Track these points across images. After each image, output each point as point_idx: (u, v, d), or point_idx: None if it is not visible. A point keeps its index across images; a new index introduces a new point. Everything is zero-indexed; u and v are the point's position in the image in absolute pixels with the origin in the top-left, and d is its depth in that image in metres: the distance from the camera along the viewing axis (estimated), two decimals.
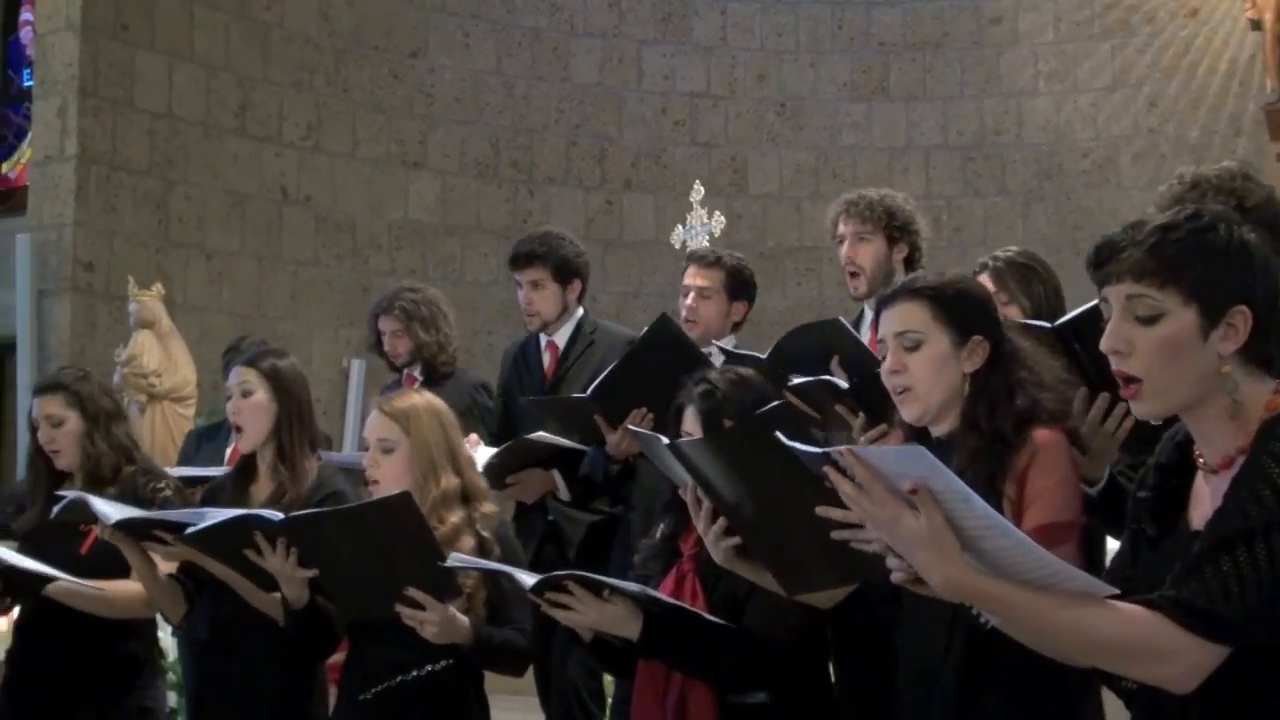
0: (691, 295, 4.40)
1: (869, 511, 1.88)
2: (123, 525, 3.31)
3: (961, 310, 2.46)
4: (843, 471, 1.90)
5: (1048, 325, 2.73)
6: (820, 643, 2.90)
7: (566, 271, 4.65)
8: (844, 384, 3.29)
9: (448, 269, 10.52)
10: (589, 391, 4.02)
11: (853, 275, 3.99)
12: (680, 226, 8.63)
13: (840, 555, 2.27)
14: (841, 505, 2.21)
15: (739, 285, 4.46)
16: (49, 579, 3.50)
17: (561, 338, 4.71)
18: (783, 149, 11.54)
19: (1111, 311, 1.89)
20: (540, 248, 4.65)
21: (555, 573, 2.77)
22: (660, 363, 3.86)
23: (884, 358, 2.49)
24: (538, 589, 2.75)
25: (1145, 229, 1.86)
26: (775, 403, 2.43)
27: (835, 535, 2.22)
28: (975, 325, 2.46)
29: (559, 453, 4.28)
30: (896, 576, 2.02)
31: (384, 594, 3.01)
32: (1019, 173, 11.28)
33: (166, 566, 3.49)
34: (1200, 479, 1.91)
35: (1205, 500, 1.87)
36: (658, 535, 3.04)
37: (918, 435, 2.48)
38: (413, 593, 2.97)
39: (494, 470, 4.21)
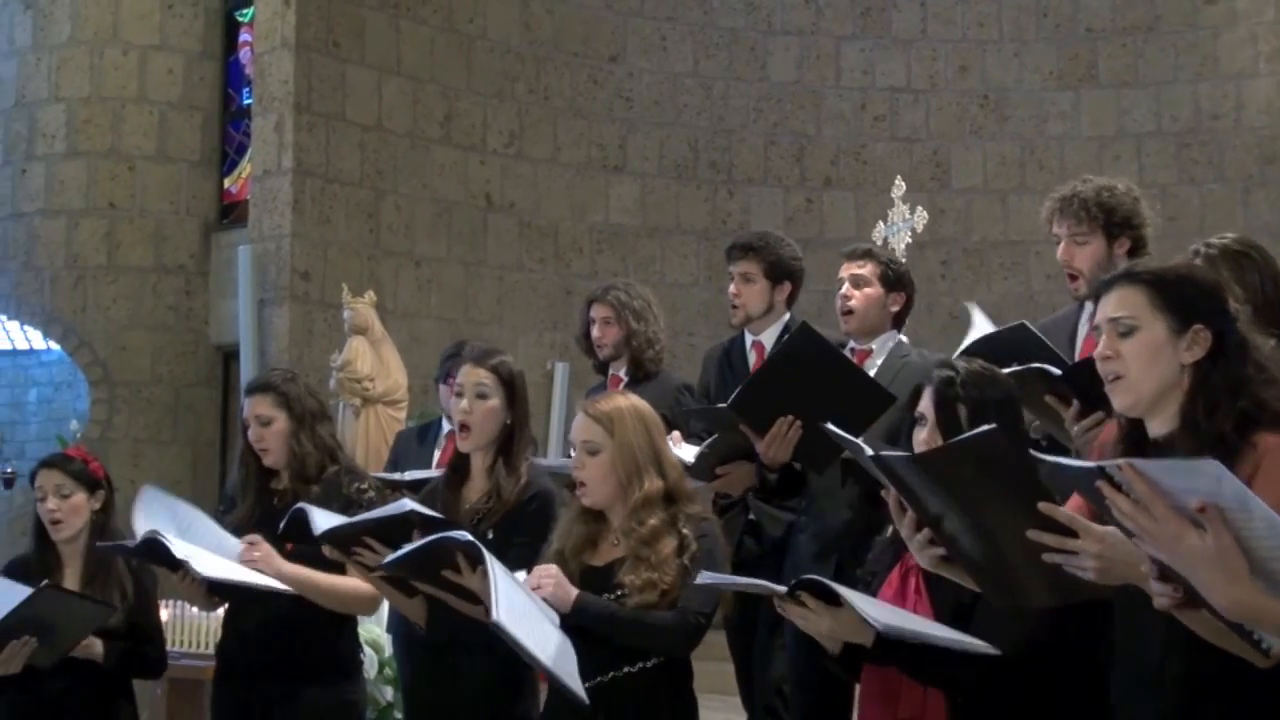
0: (845, 285, 4.32)
1: (1147, 529, 1.79)
2: (330, 536, 3.36)
3: (1182, 296, 2.30)
4: (1117, 486, 1.81)
5: None
6: (1059, 650, 2.80)
7: (779, 271, 4.64)
8: (1057, 370, 3.18)
9: (648, 271, 10.59)
10: (730, 400, 3.98)
11: (1071, 277, 3.78)
12: (882, 223, 8.51)
13: (1054, 575, 2.19)
14: (1053, 529, 2.12)
15: (894, 277, 4.37)
16: (252, 586, 3.59)
17: (769, 338, 4.68)
18: (986, 141, 11.29)
19: None
20: (758, 243, 4.68)
21: (798, 580, 2.71)
22: (805, 371, 3.81)
23: (1100, 343, 2.37)
24: (788, 595, 2.71)
25: None
26: (984, 428, 2.32)
27: (1047, 558, 2.14)
28: (1197, 313, 2.29)
29: None
30: (1161, 603, 1.92)
31: None
32: (1238, 158, 10.80)
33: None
34: None
35: None
36: (889, 532, 2.99)
37: (1133, 427, 2.36)
38: (539, 570, 3.09)
39: (704, 460, 4.21)
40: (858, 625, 2.63)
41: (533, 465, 3.62)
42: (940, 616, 2.71)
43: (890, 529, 2.98)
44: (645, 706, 3.15)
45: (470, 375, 3.55)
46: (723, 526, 3.44)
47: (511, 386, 3.54)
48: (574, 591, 3.10)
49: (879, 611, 2.59)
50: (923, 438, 2.84)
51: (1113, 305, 2.35)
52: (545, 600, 3.07)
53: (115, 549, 3.94)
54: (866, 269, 4.32)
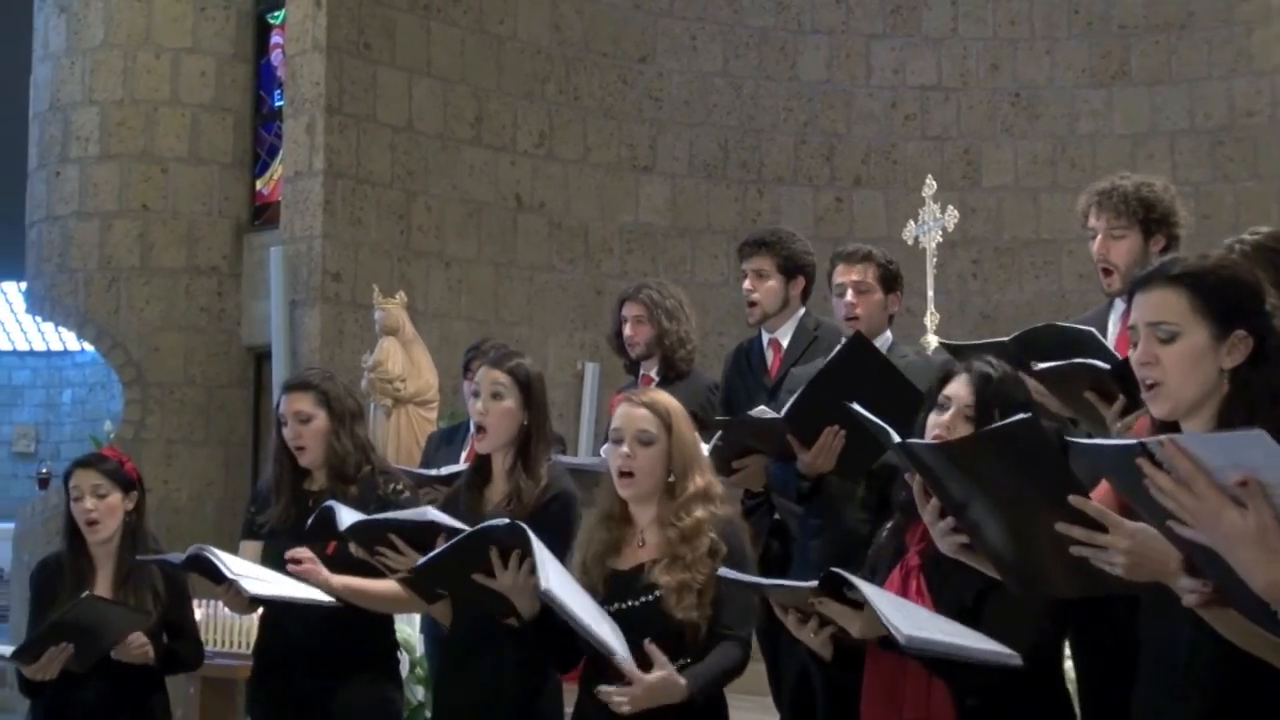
0: (849, 292, 4.30)
1: (1186, 506, 1.76)
2: (356, 530, 3.36)
3: (1224, 300, 2.23)
4: (1157, 464, 1.78)
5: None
6: (1059, 645, 2.79)
7: (792, 266, 4.64)
8: (1105, 365, 3.15)
9: (678, 271, 10.59)
10: (783, 411, 3.96)
11: (1105, 272, 3.77)
12: (912, 222, 8.49)
13: (1080, 567, 2.17)
14: (1083, 523, 2.09)
15: (891, 277, 4.37)
16: (296, 600, 3.59)
17: (784, 335, 4.68)
18: (1018, 139, 11.23)
19: None
20: (769, 238, 4.69)
21: (826, 574, 2.68)
22: (854, 380, 3.80)
23: (1135, 344, 2.31)
24: (819, 590, 2.68)
25: None
26: (1020, 416, 2.27)
27: (1074, 551, 2.12)
28: (1238, 317, 2.22)
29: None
30: (1189, 599, 1.88)
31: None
32: (1273, 155, 10.70)
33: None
34: None
35: None
36: (885, 531, 2.98)
37: (1167, 425, 2.30)
38: (627, 671, 2.99)
39: (718, 455, 4.20)
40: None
41: (553, 467, 3.60)
42: (941, 611, 2.69)
43: (888, 526, 2.97)
44: (675, 708, 3.14)
45: (487, 376, 3.55)
46: (750, 530, 3.43)
47: (528, 388, 3.54)
48: (682, 681, 3.04)
49: (902, 617, 2.56)
50: (943, 420, 2.82)
51: (1152, 308, 2.27)
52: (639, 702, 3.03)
53: (159, 563, 3.95)
54: (869, 274, 4.32)
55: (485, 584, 3.13)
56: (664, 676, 3.00)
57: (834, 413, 3.78)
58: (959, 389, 2.84)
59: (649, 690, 2.99)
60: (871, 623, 2.59)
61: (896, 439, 2.63)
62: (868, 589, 2.60)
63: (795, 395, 3.95)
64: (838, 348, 3.98)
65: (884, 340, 4.31)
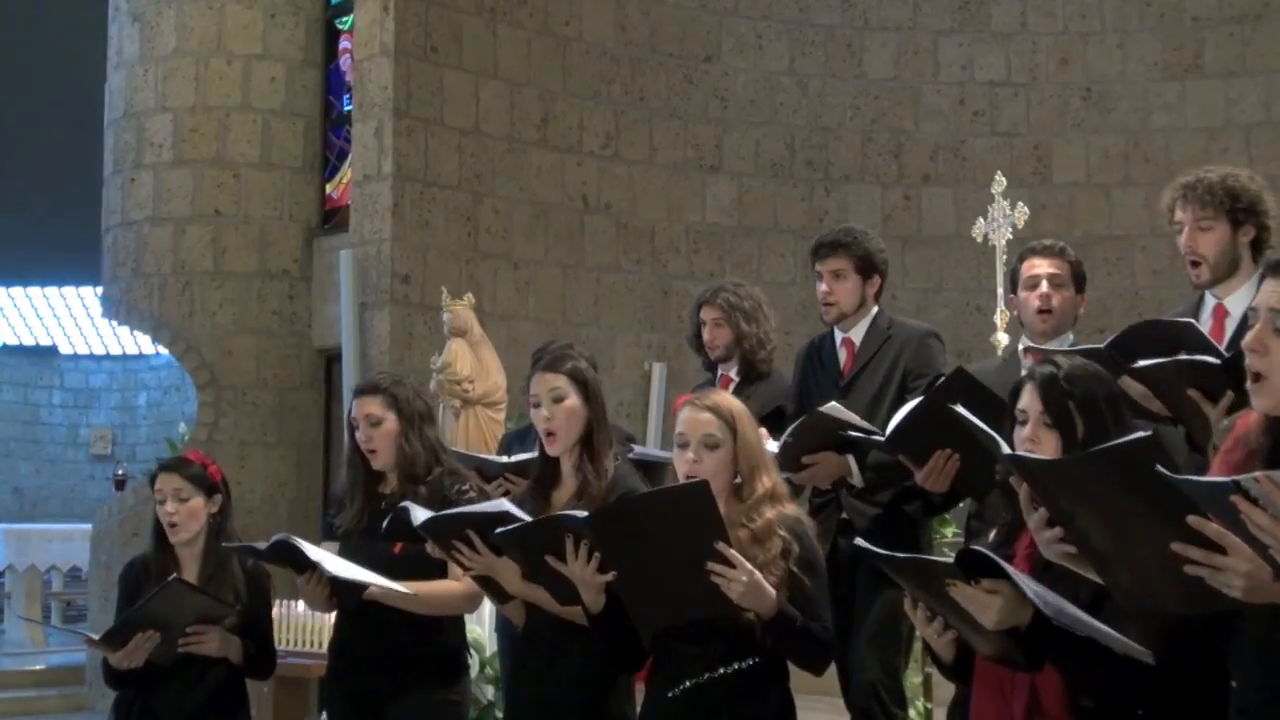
0: (1044, 284, 4.18)
1: None
2: (430, 526, 3.41)
3: None
4: (1254, 501, 1.73)
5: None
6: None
7: (869, 265, 4.62)
8: (1213, 360, 3.07)
9: (745, 270, 10.57)
10: (886, 437, 3.93)
11: (1194, 265, 3.72)
12: (981, 219, 8.41)
13: (1192, 585, 2.11)
14: (1200, 543, 2.04)
15: (1081, 278, 4.29)
16: (367, 585, 3.66)
17: (857, 334, 4.65)
18: (1089, 135, 11.10)
19: None
20: (845, 238, 4.65)
21: (963, 551, 2.62)
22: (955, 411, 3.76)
23: (1251, 326, 2.23)
24: (957, 564, 2.61)
25: None
26: (1141, 434, 2.19)
27: (1189, 570, 2.05)
28: None
29: (854, 439, 4.21)
30: None
31: (678, 599, 3.05)
32: None
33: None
34: None
35: None
36: (991, 536, 2.95)
37: (1275, 427, 2.24)
38: (721, 547, 2.96)
39: (789, 450, 4.18)
40: (1017, 602, 2.53)
41: (620, 466, 3.61)
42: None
43: (993, 533, 2.93)
44: (743, 706, 3.14)
45: (544, 383, 3.57)
46: (817, 527, 3.41)
47: (585, 384, 3.57)
48: (773, 592, 3.05)
49: (1041, 599, 2.49)
50: (1025, 435, 2.79)
51: (1278, 296, 2.19)
52: (741, 598, 3.00)
53: (244, 550, 4.02)
54: (1064, 268, 4.22)
55: (556, 567, 3.16)
56: (764, 581, 3.00)
57: (941, 437, 3.74)
58: (1028, 400, 2.81)
59: (752, 577, 2.98)
60: (1006, 611, 2.53)
61: (1007, 449, 2.59)
62: (1009, 568, 2.53)
63: (895, 420, 3.89)
64: (941, 380, 3.91)
65: (1064, 340, 4.18)
